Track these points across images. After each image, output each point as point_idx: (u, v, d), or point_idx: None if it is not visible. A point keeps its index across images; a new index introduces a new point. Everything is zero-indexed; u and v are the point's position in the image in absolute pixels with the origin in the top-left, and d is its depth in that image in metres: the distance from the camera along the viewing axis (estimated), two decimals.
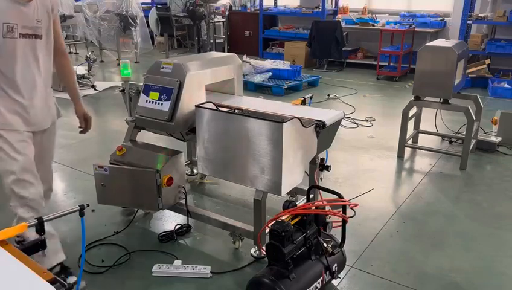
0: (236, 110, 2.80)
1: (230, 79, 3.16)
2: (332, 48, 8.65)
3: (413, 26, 8.39)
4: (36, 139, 2.38)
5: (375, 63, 8.57)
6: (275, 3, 10.91)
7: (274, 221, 2.30)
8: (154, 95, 2.81)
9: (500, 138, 4.65)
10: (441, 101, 4.22)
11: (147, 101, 2.85)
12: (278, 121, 2.38)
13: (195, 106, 2.71)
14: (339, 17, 9.34)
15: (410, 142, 4.65)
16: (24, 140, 2.27)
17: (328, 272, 2.37)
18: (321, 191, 2.64)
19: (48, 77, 2.41)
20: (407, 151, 4.57)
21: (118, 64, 8.75)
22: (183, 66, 2.76)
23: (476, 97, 4.47)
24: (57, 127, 2.67)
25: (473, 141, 4.44)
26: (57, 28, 2.44)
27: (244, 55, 7.70)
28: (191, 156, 3.89)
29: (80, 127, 2.86)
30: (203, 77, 2.88)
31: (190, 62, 2.83)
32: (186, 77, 2.72)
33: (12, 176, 2.20)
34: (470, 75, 7.38)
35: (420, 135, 4.88)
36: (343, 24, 8.77)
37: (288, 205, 2.41)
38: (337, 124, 2.84)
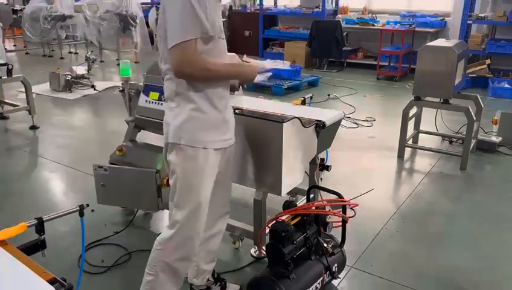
0: (236, 110, 2.79)
1: None
2: (332, 47, 8.65)
3: (413, 26, 8.38)
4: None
5: (375, 63, 8.57)
6: (275, 3, 10.90)
7: (274, 221, 2.30)
8: (154, 95, 2.81)
9: (500, 138, 4.64)
10: (441, 101, 4.22)
11: (146, 101, 2.85)
12: (278, 121, 2.38)
13: None
14: (339, 17, 9.34)
15: (410, 142, 4.65)
16: None
17: (328, 272, 2.37)
18: (321, 191, 2.64)
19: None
20: (408, 151, 4.57)
21: (118, 64, 8.75)
22: None
23: (476, 97, 4.47)
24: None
25: (473, 141, 4.44)
26: None
27: (244, 55, 7.68)
28: None
29: None
30: None
31: None
32: None
33: None
34: (470, 75, 7.38)
35: (420, 135, 4.87)
36: (343, 24, 8.77)
37: (288, 205, 2.40)
38: (337, 124, 2.84)
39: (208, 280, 2.41)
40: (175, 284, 2.05)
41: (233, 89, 2.05)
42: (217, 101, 1.91)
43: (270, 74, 2.19)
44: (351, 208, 2.41)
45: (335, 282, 2.55)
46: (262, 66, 2.10)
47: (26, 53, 10.70)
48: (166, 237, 1.98)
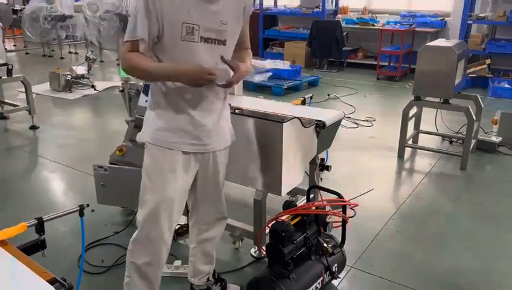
0: (236, 110, 2.79)
1: None
2: (332, 47, 8.65)
3: (413, 26, 8.39)
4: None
5: (375, 63, 8.57)
6: (275, 3, 10.90)
7: (274, 221, 2.30)
8: None
9: (500, 138, 4.64)
10: (441, 101, 4.22)
11: (147, 101, 2.84)
12: (278, 121, 2.38)
13: None
14: (339, 17, 9.34)
15: (410, 142, 4.65)
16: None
17: (328, 272, 2.37)
18: (321, 191, 2.64)
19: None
20: (408, 151, 4.57)
21: (118, 64, 8.75)
22: None
23: (476, 97, 4.47)
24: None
25: (473, 141, 4.44)
26: (246, 27, 2.05)
27: None
28: None
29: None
30: None
31: None
32: None
33: None
34: (470, 75, 7.38)
35: (420, 135, 4.87)
36: (343, 24, 8.77)
37: (288, 205, 2.40)
38: (337, 124, 2.84)
39: (208, 280, 2.41)
40: (149, 288, 2.05)
41: (226, 86, 1.90)
42: (184, 104, 1.88)
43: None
44: (351, 208, 2.41)
45: (335, 282, 2.55)
46: (221, 70, 1.84)
47: (26, 53, 10.70)
48: (133, 237, 2.02)
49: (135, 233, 2.01)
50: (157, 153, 1.92)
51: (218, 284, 2.44)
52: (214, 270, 2.44)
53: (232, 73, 1.85)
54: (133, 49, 1.78)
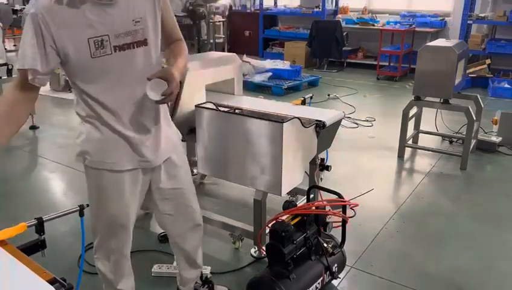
0: (236, 110, 2.79)
1: (230, 79, 3.16)
2: (332, 47, 8.65)
3: (413, 26, 8.38)
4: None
5: (375, 63, 8.56)
6: (275, 3, 10.90)
7: (274, 221, 2.30)
8: None
9: (500, 138, 4.64)
10: (441, 101, 4.22)
11: None
12: (278, 121, 2.38)
13: (195, 105, 2.70)
14: (339, 17, 9.34)
15: (410, 142, 4.65)
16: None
17: (328, 273, 2.37)
18: (321, 191, 2.64)
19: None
20: (408, 151, 4.57)
21: None
22: None
23: (476, 97, 4.47)
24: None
25: (473, 141, 4.44)
26: (169, 16, 1.80)
27: (244, 55, 7.70)
28: (191, 156, 3.88)
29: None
30: (203, 76, 2.88)
31: (190, 62, 2.82)
32: (186, 77, 2.71)
33: None
34: (470, 75, 7.38)
35: (420, 135, 4.87)
36: (343, 24, 8.77)
37: (288, 205, 2.41)
38: (337, 124, 2.84)
39: (196, 282, 2.35)
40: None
41: (164, 101, 1.66)
42: (111, 119, 1.69)
43: None
44: (351, 208, 2.41)
45: (335, 282, 2.55)
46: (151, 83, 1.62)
47: None
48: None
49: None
50: (98, 174, 1.80)
51: (206, 286, 2.38)
52: (201, 272, 2.40)
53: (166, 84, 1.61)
54: (23, 79, 1.55)
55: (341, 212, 2.35)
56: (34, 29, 1.50)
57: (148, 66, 1.71)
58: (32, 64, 1.53)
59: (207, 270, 2.63)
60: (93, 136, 1.73)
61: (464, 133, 4.30)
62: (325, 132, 2.66)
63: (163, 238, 2.98)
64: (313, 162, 2.83)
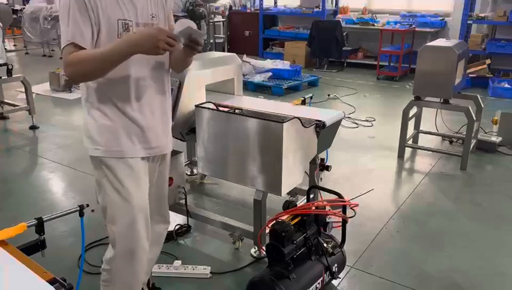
0: (236, 110, 2.79)
1: (230, 79, 3.16)
2: (332, 47, 8.65)
3: (413, 26, 8.38)
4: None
5: (375, 63, 8.56)
6: (275, 3, 10.90)
7: (274, 221, 2.30)
8: None
9: (500, 138, 4.64)
10: (441, 101, 4.22)
11: None
12: (278, 121, 2.38)
13: (195, 105, 2.70)
14: (339, 17, 9.33)
15: (410, 142, 4.65)
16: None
17: (328, 273, 2.37)
18: (321, 191, 2.64)
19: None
20: (408, 151, 4.57)
21: None
22: None
23: (476, 97, 4.47)
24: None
25: (474, 141, 4.44)
26: (171, 18, 1.95)
27: (244, 55, 7.70)
28: (191, 156, 3.89)
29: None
30: (203, 76, 2.88)
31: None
32: (186, 76, 2.72)
33: None
34: (470, 75, 7.37)
35: (420, 135, 4.87)
36: (343, 24, 8.77)
37: (288, 205, 2.40)
38: (337, 124, 2.84)
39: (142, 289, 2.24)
40: None
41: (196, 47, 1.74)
42: (122, 103, 1.76)
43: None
44: (351, 208, 2.41)
45: (335, 282, 2.55)
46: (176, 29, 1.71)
47: (26, 53, 10.70)
48: (110, 257, 1.91)
49: (111, 252, 1.90)
50: (118, 164, 1.80)
51: None
52: (149, 279, 2.34)
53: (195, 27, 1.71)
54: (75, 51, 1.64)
55: (341, 212, 2.35)
56: (78, 6, 1.61)
57: (158, 58, 1.82)
58: (84, 34, 1.63)
59: (207, 270, 2.63)
60: (104, 125, 1.77)
61: (464, 133, 4.30)
62: (325, 132, 2.66)
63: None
64: (313, 162, 2.83)
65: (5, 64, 5.22)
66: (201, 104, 2.73)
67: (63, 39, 1.64)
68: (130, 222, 1.83)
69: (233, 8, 11.02)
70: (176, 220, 3.18)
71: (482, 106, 4.50)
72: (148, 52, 1.61)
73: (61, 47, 1.65)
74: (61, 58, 1.90)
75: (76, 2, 1.61)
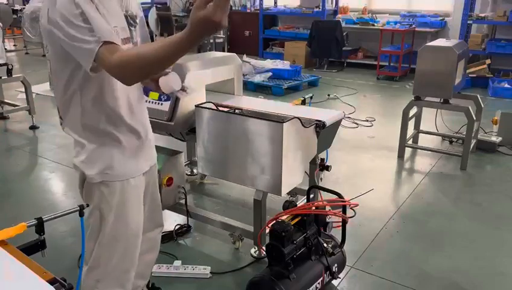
0: (236, 110, 2.79)
1: (230, 79, 3.16)
2: (332, 47, 8.64)
3: (413, 26, 8.38)
4: None
5: (375, 63, 8.56)
6: (275, 3, 10.90)
7: (274, 221, 2.30)
8: (154, 95, 2.80)
9: (500, 138, 4.64)
10: (441, 101, 4.22)
11: (146, 101, 2.84)
12: (278, 121, 2.38)
13: (195, 105, 2.70)
14: (339, 16, 9.33)
15: (410, 142, 4.65)
16: None
17: (328, 273, 2.37)
18: (321, 191, 2.64)
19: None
20: (408, 151, 4.57)
21: None
22: (183, 65, 2.75)
23: (476, 97, 4.47)
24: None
25: (474, 141, 4.44)
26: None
27: (244, 55, 7.70)
28: (191, 156, 3.89)
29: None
30: (203, 76, 2.88)
31: (190, 62, 2.82)
32: (186, 76, 2.72)
33: None
34: (470, 75, 7.37)
35: (420, 135, 4.87)
36: (343, 24, 8.77)
37: (288, 205, 2.40)
38: (337, 124, 2.84)
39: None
40: None
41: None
42: (128, 116, 1.64)
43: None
44: (351, 208, 2.41)
45: (335, 282, 2.55)
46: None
47: (26, 53, 10.70)
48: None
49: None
50: (120, 186, 1.67)
51: None
52: (149, 280, 2.28)
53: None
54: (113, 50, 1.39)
55: (341, 212, 2.35)
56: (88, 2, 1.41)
57: None
58: (115, 38, 1.42)
59: (207, 270, 2.63)
60: (112, 147, 1.64)
61: (464, 133, 4.30)
62: (325, 132, 2.66)
63: (163, 238, 2.97)
64: (313, 162, 2.83)
65: (5, 64, 5.22)
66: (201, 104, 2.73)
67: (88, 41, 1.37)
68: (129, 244, 1.75)
69: (233, 8, 11.02)
70: (176, 220, 3.18)
71: (482, 106, 4.50)
72: (208, 34, 1.29)
73: (89, 52, 1.37)
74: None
75: (90, 5, 1.41)
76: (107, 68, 1.39)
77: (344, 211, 2.36)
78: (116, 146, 1.65)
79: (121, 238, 1.72)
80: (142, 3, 11.14)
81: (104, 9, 1.46)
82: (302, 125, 2.48)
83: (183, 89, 1.73)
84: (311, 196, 2.73)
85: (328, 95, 6.79)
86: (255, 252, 2.82)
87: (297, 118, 2.45)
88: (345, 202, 2.35)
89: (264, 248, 2.51)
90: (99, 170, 1.63)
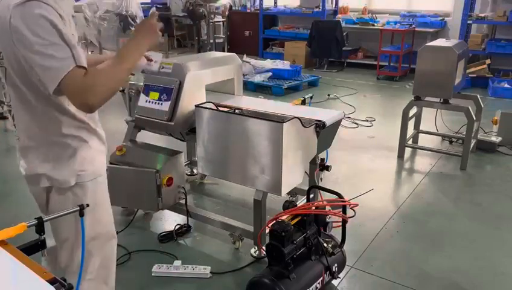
0: (236, 110, 2.80)
1: (230, 79, 3.16)
2: (332, 47, 8.64)
3: (413, 26, 8.38)
4: None
5: (375, 63, 8.56)
6: (275, 3, 10.90)
7: (274, 221, 2.30)
8: (154, 95, 2.81)
9: (500, 138, 4.64)
10: (441, 101, 4.22)
11: (146, 101, 2.85)
12: (278, 121, 2.38)
13: (195, 105, 2.70)
14: (339, 17, 9.33)
15: (410, 142, 4.65)
16: None
17: (328, 272, 2.37)
18: (321, 191, 2.64)
19: None
20: (408, 151, 4.57)
21: None
22: (183, 66, 2.76)
23: (476, 97, 4.47)
24: None
25: (473, 141, 4.44)
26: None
27: (244, 55, 7.70)
28: (191, 156, 3.89)
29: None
30: (203, 76, 2.88)
31: (190, 62, 2.83)
32: (186, 76, 2.72)
33: None
34: (470, 75, 7.37)
35: (420, 135, 4.87)
36: (343, 24, 8.77)
37: (288, 205, 2.40)
38: (337, 124, 2.84)
39: None
40: None
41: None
42: (92, 121, 1.71)
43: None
44: (351, 208, 2.41)
45: (335, 282, 2.55)
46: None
47: None
48: None
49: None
50: (91, 186, 1.73)
51: None
52: None
53: None
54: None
55: (341, 212, 2.35)
56: (60, 21, 1.39)
57: None
58: (83, 62, 1.41)
59: (207, 270, 2.63)
60: (85, 148, 1.69)
61: (464, 133, 4.30)
62: (325, 132, 2.66)
63: (163, 238, 2.98)
64: (313, 162, 2.83)
65: None
66: (201, 104, 2.73)
67: (59, 64, 1.35)
68: (110, 249, 1.86)
69: (233, 8, 11.02)
70: (176, 220, 3.18)
71: (482, 106, 4.50)
72: (154, 42, 1.54)
73: (57, 76, 1.34)
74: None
75: (55, 17, 1.35)
76: (80, 95, 1.38)
77: (344, 211, 2.36)
78: (88, 146, 1.69)
79: (100, 237, 1.80)
80: (142, 3, 11.10)
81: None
82: (302, 125, 2.48)
83: (148, 59, 1.81)
84: (311, 196, 2.73)
85: (328, 95, 6.79)
86: (255, 252, 2.82)
87: (297, 118, 2.45)
88: (344, 202, 2.35)
89: (264, 248, 2.51)
90: (72, 171, 1.66)
